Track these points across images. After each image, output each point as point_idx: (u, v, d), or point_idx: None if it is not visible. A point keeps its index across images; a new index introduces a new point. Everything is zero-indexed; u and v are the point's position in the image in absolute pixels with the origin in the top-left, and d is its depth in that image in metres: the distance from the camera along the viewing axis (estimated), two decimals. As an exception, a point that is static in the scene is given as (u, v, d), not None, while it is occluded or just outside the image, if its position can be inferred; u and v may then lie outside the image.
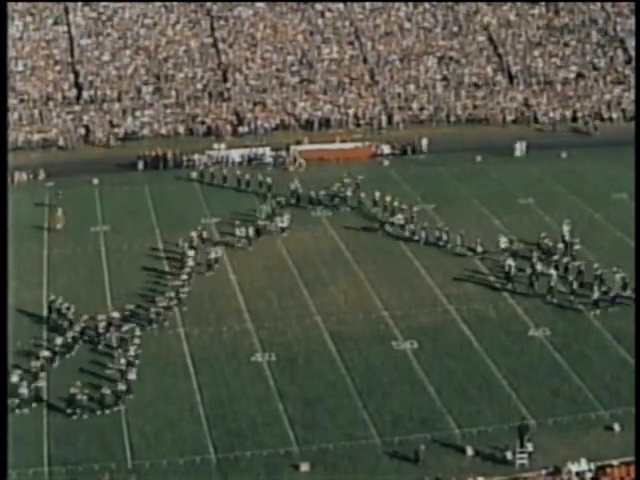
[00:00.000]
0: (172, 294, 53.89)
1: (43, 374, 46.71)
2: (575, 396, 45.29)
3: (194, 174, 74.58)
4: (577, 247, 59.43)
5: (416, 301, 54.41)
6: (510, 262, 56.64)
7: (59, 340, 49.38)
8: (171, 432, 43.11)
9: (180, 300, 53.87)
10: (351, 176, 70.61)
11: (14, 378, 45.63)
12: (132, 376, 46.11)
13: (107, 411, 44.45)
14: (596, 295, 52.88)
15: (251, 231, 61.82)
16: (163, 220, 65.77)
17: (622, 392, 45.16)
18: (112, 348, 49.76)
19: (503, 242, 59.53)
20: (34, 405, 44.99)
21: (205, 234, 62.04)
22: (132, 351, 48.33)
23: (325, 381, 46.90)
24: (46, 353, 48.45)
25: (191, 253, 58.39)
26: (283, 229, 63.73)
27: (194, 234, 61.05)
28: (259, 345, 50.16)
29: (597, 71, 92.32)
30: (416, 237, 61.88)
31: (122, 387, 45.32)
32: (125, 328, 50.71)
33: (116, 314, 51.64)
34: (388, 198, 66.24)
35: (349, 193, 68.33)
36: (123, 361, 47.54)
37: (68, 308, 52.26)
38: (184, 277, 56.01)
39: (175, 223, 64.39)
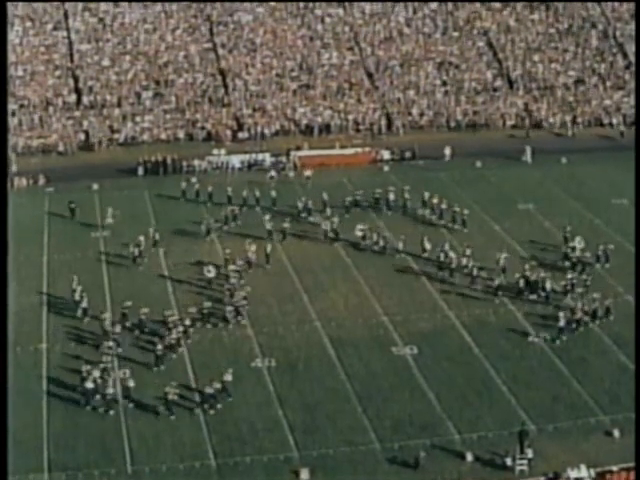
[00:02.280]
0: (243, 293, 53.93)
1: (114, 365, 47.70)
2: (575, 402, 45.25)
3: (188, 181, 72.79)
4: (609, 246, 58.96)
5: (416, 306, 54.39)
6: (451, 254, 57.54)
7: (117, 328, 50.10)
8: (171, 437, 43.10)
9: (246, 299, 53.90)
10: (395, 184, 70.77)
11: (96, 373, 45.62)
12: (228, 377, 45.82)
13: (212, 411, 44.60)
14: (562, 323, 50.89)
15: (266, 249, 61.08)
16: (163, 225, 65.66)
17: (622, 398, 45.14)
18: (155, 335, 50.26)
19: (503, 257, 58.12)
20: (122, 405, 45.10)
21: (157, 236, 62.08)
22: (174, 334, 49.15)
23: (325, 386, 46.87)
24: (110, 343, 49.13)
25: (212, 272, 57.03)
26: (327, 232, 63.33)
27: (142, 238, 60.98)
28: (259, 350, 50.14)
29: (597, 76, 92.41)
30: (375, 248, 61.34)
31: (217, 386, 45.23)
32: (171, 317, 51.11)
33: (193, 309, 52.34)
34: (435, 200, 66.55)
35: (392, 196, 68.14)
36: (160, 347, 48.09)
37: (82, 297, 53.09)
38: (234, 275, 56.22)
39: (175, 228, 64.29)
